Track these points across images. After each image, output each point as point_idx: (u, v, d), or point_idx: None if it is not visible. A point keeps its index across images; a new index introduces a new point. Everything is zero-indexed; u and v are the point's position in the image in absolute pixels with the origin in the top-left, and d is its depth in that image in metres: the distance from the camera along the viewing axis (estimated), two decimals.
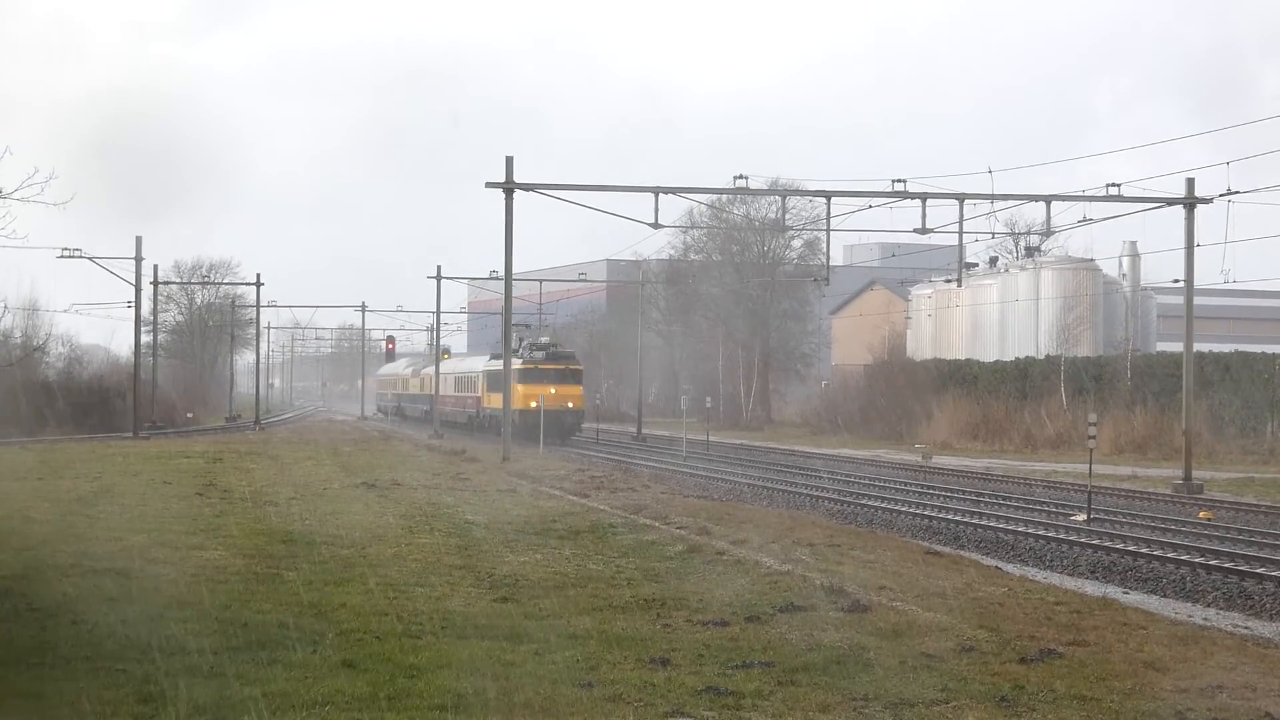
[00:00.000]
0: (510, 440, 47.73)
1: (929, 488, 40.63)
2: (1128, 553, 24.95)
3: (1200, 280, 44.53)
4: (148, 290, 76.25)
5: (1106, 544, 26.20)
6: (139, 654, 11.72)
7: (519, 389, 62.47)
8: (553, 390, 64.36)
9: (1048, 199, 43.94)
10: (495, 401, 66.75)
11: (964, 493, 38.82)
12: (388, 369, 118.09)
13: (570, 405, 66.93)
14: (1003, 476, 45.05)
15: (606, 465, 46.43)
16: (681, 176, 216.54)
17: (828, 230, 48.52)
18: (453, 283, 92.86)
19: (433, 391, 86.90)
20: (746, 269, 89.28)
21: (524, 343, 71.20)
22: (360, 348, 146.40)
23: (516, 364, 62.31)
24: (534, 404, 61.40)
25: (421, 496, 28.68)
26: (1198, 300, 45.03)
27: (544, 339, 74.52)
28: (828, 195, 44.97)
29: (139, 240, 68.38)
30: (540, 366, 67.18)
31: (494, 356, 71.78)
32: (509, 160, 44.57)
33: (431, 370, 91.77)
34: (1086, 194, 43.27)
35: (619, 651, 12.33)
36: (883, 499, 36.35)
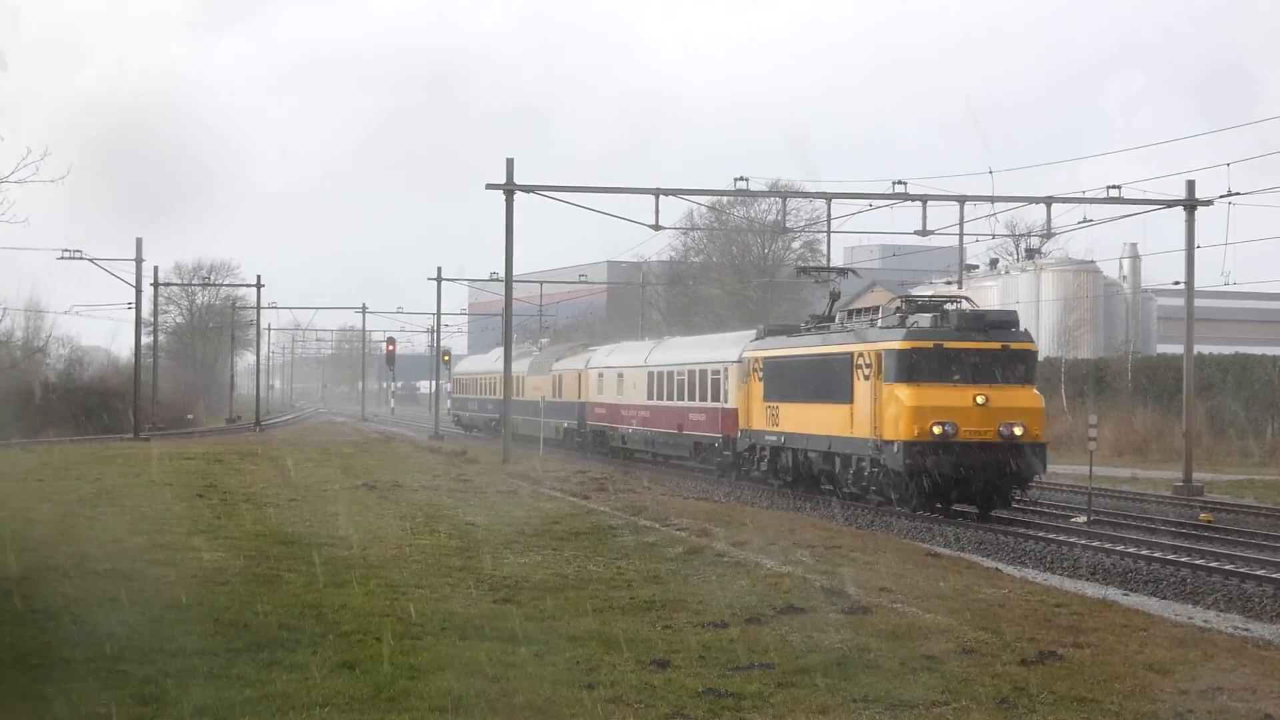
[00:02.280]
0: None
1: None
2: (1128, 555, 24.93)
3: (1201, 282, 44.54)
4: (148, 292, 76.31)
5: (1107, 546, 26.18)
6: (139, 655, 11.73)
7: (897, 393, 31.07)
8: (981, 398, 30.61)
9: (1048, 200, 43.96)
10: (794, 421, 36.93)
11: None
12: (476, 364, 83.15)
13: (1019, 431, 30.66)
14: None
15: (606, 466, 46.36)
16: (682, 178, 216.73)
17: (828, 232, 48.69)
18: (453, 284, 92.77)
19: (582, 398, 57.95)
20: (747, 270, 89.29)
21: (839, 297, 41.89)
22: (360, 349, 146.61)
23: (893, 341, 31.60)
24: (937, 428, 30.36)
25: (422, 498, 28.68)
26: (1198, 302, 45.03)
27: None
28: (828, 197, 45.01)
29: (139, 242, 68.54)
30: (948, 345, 31.18)
31: (770, 332, 40.80)
32: (509, 162, 44.60)
33: (569, 365, 61.45)
34: (1086, 195, 43.32)
35: (619, 653, 12.33)
36: (883, 500, 36.25)
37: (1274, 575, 22.06)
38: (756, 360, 39.60)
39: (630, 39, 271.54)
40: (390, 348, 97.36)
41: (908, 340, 31.39)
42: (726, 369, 42.62)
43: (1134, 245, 74.22)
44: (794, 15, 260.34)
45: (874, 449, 32.00)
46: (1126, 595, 20.94)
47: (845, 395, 33.30)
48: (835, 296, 40.76)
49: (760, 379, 39.23)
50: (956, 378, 31.00)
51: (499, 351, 76.71)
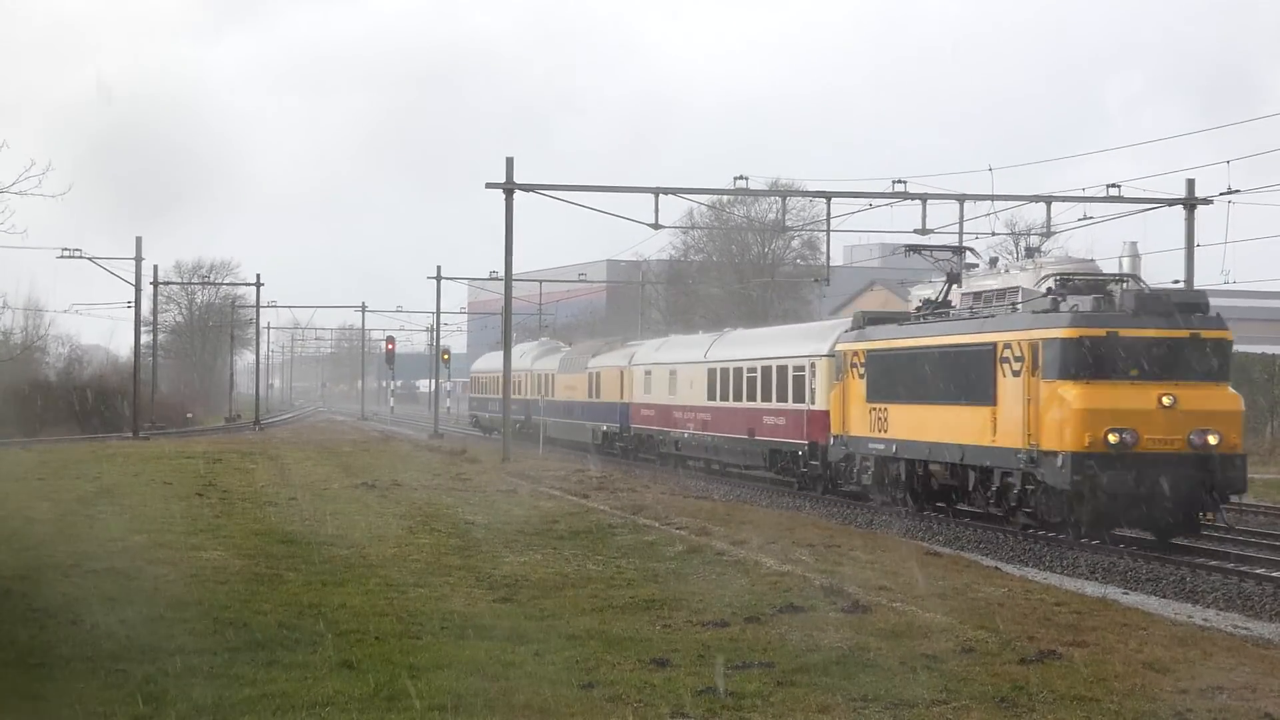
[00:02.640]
0: (517, 448, 47.42)
1: None
2: (1128, 554, 24.92)
3: (1201, 280, 44.51)
4: (148, 290, 76.30)
5: (1107, 545, 26.17)
6: (139, 654, 11.73)
7: (1061, 393, 25.80)
8: (1167, 398, 25.56)
9: (1048, 199, 43.98)
10: (910, 426, 31.07)
11: None
12: (498, 361, 66.59)
13: (1214, 439, 25.80)
14: None
15: (606, 465, 46.35)
16: (682, 177, 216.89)
17: (828, 230, 48.49)
18: (453, 283, 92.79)
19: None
20: (746, 269, 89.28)
21: (959, 279, 34.00)
22: (360, 348, 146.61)
23: (1055, 328, 26.11)
24: (1113, 436, 25.26)
25: (421, 497, 28.68)
26: None
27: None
28: (828, 196, 44.98)
29: (139, 240, 68.60)
30: (1124, 333, 26.05)
31: (871, 321, 34.80)
32: (509, 161, 44.59)
33: (609, 362, 54.39)
34: (1086, 194, 43.36)
35: (619, 652, 12.33)
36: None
37: (1274, 574, 22.06)
38: (857, 354, 33.59)
39: (631, 38, 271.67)
40: (390, 346, 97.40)
41: (1074, 327, 25.87)
42: (813, 364, 37.02)
43: (1134, 244, 74.08)
44: (794, 15, 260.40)
45: (1027, 461, 26.48)
46: (1126, 594, 20.94)
47: (985, 395, 27.93)
48: (954, 279, 34.26)
49: (862, 376, 33.22)
50: (1135, 374, 25.70)
51: (524, 346, 70.93)
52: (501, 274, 48.48)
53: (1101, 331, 25.85)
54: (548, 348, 69.00)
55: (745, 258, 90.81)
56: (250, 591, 15.32)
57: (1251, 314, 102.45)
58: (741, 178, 43.75)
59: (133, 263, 68.54)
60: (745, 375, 41.66)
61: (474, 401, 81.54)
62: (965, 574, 19.61)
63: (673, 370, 47.54)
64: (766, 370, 40.10)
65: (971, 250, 36.57)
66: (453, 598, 15.31)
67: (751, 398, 41.04)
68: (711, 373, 44.08)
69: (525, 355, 68.89)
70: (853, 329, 34.86)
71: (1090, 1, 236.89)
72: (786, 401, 38.52)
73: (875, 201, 43.45)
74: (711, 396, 43.90)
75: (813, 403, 36.89)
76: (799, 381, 37.91)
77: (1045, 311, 27.09)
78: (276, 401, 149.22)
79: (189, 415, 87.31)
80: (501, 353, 75.17)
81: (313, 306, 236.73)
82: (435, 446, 56.77)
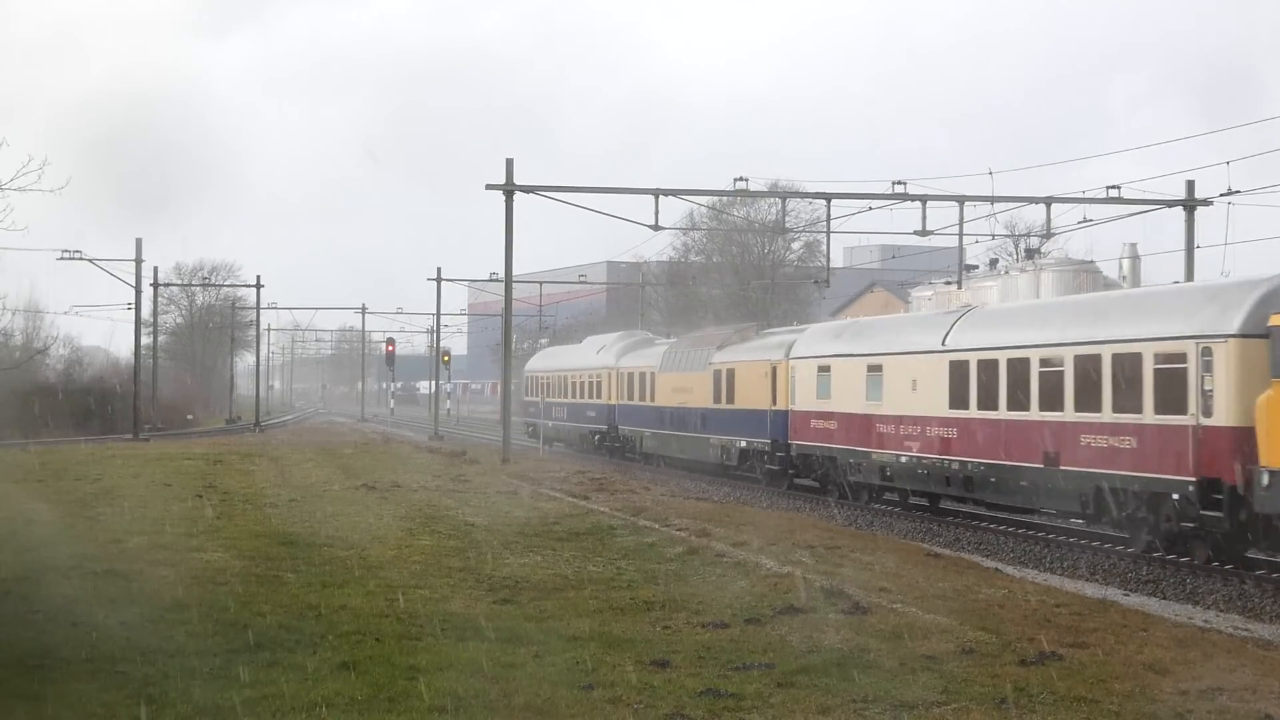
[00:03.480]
0: (510, 443, 47.46)
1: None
2: (1128, 554, 24.91)
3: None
4: (148, 292, 76.34)
5: (1107, 546, 26.17)
6: (139, 656, 11.73)
7: None
8: None
9: (1047, 201, 44.00)
10: None
11: None
12: (563, 358, 63.84)
13: None
14: None
15: (606, 467, 46.31)
16: (682, 178, 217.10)
17: (828, 232, 48.50)
18: (453, 285, 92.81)
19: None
20: (747, 271, 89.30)
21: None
22: (360, 350, 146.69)
23: None
24: None
25: (421, 498, 28.67)
26: None
27: None
28: (828, 197, 44.99)
29: (139, 242, 68.71)
30: None
31: None
32: (509, 162, 44.59)
33: (749, 355, 41.97)
34: (1086, 195, 43.37)
35: (619, 654, 12.33)
36: (884, 500, 36.26)
37: (1274, 575, 22.04)
38: None
39: (631, 38, 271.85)
40: (390, 348, 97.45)
41: None
42: (1208, 350, 23.12)
43: (1134, 245, 74.14)
44: (794, 15, 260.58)
45: None
46: (1126, 595, 20.92)
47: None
48: None
49: None
50: None
51: (603, 339, 60.11)
52: (502, 275, 48.47)
53: None
54: (638, 340, 56.62)
55: (745, 259, 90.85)
56: (250, 593, 15.32)
57: None
58: (741, 179, 43.78)
59: (133, 264, 68.74)
60: (1036, 370, 27.92)
61: (529, 408, 66.52)
62: (966, 575, 19.61)
63: (874, 365, 34.40)
64: (1086, 361, 26.25)
65: None
66: (453, 599, 15.31)
67: (1051, 405, 27.22)
68: (958, 367, 30.83)
69: (606, 350, 56.56)
70: None
71: (1091, 2, 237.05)
72: (1139, 411, 24.64)
73: (875, 203, 43.46)
74: (958, 403, 30.54)
75: (1205, 414, 23.09)
76: (1171, 379, 23.92)
77: None
78: (277, 403, 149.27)
79: (189, 417, 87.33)
80: (566, 348, 68.48)
81: (313, 308, 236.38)
82: (435, 448, 56.75)
